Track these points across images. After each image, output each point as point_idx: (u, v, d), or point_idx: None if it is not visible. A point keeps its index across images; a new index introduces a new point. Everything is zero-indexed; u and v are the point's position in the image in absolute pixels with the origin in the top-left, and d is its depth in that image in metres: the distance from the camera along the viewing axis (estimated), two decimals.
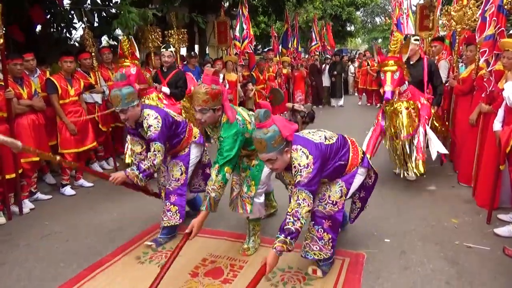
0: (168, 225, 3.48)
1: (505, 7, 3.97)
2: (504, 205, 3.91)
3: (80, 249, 3.47)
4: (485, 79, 4.24)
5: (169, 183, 3.53)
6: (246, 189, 3.20)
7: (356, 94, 15.25)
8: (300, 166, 2.51)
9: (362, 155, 2.91)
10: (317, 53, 14.99)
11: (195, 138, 3.62)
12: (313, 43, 14.50)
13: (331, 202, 2.79)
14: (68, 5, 6.99)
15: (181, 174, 3.52)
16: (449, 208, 4.10)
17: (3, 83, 4.03)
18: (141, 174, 3.19)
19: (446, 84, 5.66)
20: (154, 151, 3.22)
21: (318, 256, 2.83)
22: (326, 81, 13.26)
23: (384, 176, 5.17)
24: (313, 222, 2.84)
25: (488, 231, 3.52)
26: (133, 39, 4.82)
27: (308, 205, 2.48)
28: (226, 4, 11.72)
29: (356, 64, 15.84)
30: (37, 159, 4.45)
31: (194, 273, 3.00)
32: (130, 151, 4.27)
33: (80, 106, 5.06)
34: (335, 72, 12.88)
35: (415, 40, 4.92)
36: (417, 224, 3.74)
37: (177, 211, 3.49)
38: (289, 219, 2.46)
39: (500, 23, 4.01)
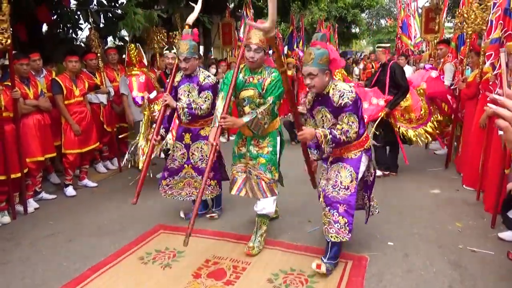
0: (212, 196, 3.96)
1: None
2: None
3: (84, 249, 3.49)
4: (490, 83, 4.22)
5: (204, 161, 3.79)
6: (269, 175, 3.30)
7: None
8: (345, 90, 2.77)
9: (369, 146, 3.04)
10: None
11: None
12: None
13: (343, 187, 2.90)
14: (74, 5, 7.03)
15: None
16: (453, 212, 4.08)
17: (10, 83, 4.06)
18: (187, 109, 3.58)
19: (452, 87, 5.64)
20: (206, 98, 3.67)
21: (335, 239, 2.90)
22: None
23: (387, 179, 5.16)
24: (328, 207, 2.93)
25: (492, 235, 3.50)
26: (140, 46, 4.82)
27: (356, 127, 2.78)
28: (231, 6, 11.75)
29: (361, 66, 15.82)
30: (42, 158, 4.48)
31: (196, 274, 3.01)
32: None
33: (85, 107, 5.09)
34: None
35: (377, 47, 5.41)
36: (420, 227, 3.73)
37: (216, 184, 3.91)
38: (338, 131, 2.74)
39: (506, 26, 3.98)
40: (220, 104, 3.18)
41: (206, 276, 2.98)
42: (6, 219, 4.09)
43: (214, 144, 3.04)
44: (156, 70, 6.38)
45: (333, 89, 2.82)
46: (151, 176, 5.30)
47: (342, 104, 2.75)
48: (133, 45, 4.73)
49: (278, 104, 3.21)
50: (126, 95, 5.73)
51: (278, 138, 3.37)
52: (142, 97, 4.39)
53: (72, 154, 4.88)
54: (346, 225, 2.89)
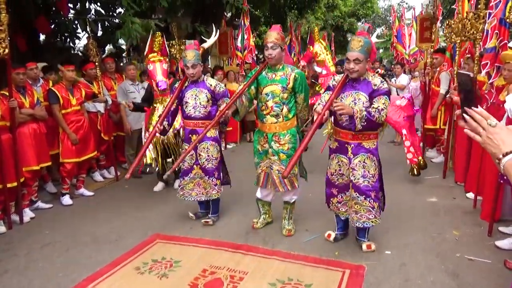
0: (216, 197, 4.05)
1: (507, 20, 3.99)
2: (506, 217, 3.88)
3: (80, 258, 3.46)
4: (486, 91, 4.25)
5: (210, 162, 3.98)
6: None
7: None
8: (381, 80, 3.18)
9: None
10: None
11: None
12: None
13: (371, 175, 3.23)
14: (72, 15, 7.06)
15: (217, 152, 4.03)
16: (450, 220, 4.08)
17: (6, 93, 4.06)
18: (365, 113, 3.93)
19: (447, 96, 5.67)
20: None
21: (374, 223, 3.28)
22: None
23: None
24: (364, 196, 3.24)
25: (489, 244, 3.50)
26: (164, 37, 4.91)
27: (387, 109, 3.15)
28: (229, 15, 11.81)
29: None
30: (37, 167, 4.47)
31: (193, 284, 2.99)
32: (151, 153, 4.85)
33: (82, 115, 5.08)
34: None
35: None
36: (417, 236, 3.73)
37: (221, 184, 4.09)
38: (373, 109, 3.05)
39: (502, 35, 4.03)
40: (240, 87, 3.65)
41: (203, 286, 2.96)
42: (2, 229, 4.06)
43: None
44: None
45: (371, 76, 3.19)
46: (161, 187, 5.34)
47: (381, 88, 3.12)
48: (159, 33, 4.84)
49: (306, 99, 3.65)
50: (123, 104, 5.74)
51: (298, 135, 3.64)
52: (166, 82, 4.48)
53: (69, 163, 4.87)
54: (378, 208, 3.30)
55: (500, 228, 3.71)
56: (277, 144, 3.57)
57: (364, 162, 3.22)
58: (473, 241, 3.60)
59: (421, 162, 5.17)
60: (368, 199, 3.24)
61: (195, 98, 3.92)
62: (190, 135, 3.99)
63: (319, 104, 3.25)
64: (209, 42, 4.37)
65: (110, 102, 5.80)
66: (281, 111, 3.54)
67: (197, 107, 3.91)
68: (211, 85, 3.96)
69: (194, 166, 4.01)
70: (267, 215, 4.00)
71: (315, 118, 3.12)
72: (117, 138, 6.24)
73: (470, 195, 4.64)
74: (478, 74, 4.52)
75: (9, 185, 4.06)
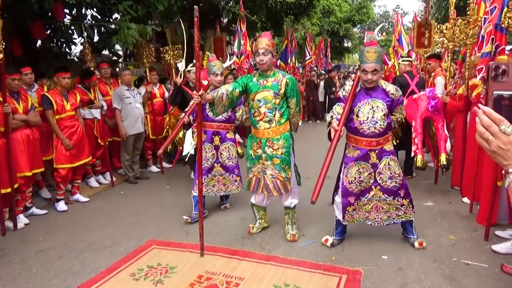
0: (238, 191, 4.43)
1: (503, 25, 4.01)
2: (502, 221, 3.89)
3: (74, 265, 3.43)
4: (481, 96, 4.26)
5: (231, 160, 4.36)
6: (284, 173, 3.62)
7: None
8: (395, 87, 3.31)
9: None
10: (315, 69, 15.10)
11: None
12: (306, 58, 14.68)
13: (397, 175, 3.37)
14: (68, 20, 7.04)
15: (236, 152, 4.43)
16: (447, 224, 4.08)
17: (0, 99, 4.03)
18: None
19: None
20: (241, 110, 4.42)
21: (405, 218, 3.46)
22: (321, 97, 13.33)
23: None
24: (392, 196, 3.40)
25: (486, 248, 3.49)
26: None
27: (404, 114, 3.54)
28: (225, 20, 11.84)
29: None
30: (29, 174, 4.43)
31: None
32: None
33: (77, 121, 5.05)
34: (334, 89, 12.79)
35: (402, 61, 6.08)
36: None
37: (241, 180, 4.41)
38: (395, 122, 3.43)
39: (498, 40, 4.04)
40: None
41: None
42: None
43: None
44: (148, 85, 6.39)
45: (384, 83, 3.31)
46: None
47: (398, 96, 3.28)
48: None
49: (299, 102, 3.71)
50: (118, 109, 5.72)
51: (291, 140, 3.67)
52: None
53: (63, 168, 4.84)
54: (409, 203, 3.45)
55: (496, 232, 3.71)
56: (271, 149, 3.59)
57: (388, 164, 3.35)
58: (470, 245, 3.59)
59: (420, 161, 4.78)
60: (396, 198, 3.39)
61: None
62: (213, 136, 4.31)
63: (332, 117, 3.31)
64: (226, 63, 4.65)
65: (105, 107, 5.78)
66: (274, 117, 3.56)
67: None
68: None
69: (215, 164, 4.33)
70: (262, 220, 4.01)
71: (332, 134, 3.17)
72: (113, 144, 6.21)
73: (466, 199, 4.64)
74: (473, 79, 4.53)
75: (3, 191, 4.03)
